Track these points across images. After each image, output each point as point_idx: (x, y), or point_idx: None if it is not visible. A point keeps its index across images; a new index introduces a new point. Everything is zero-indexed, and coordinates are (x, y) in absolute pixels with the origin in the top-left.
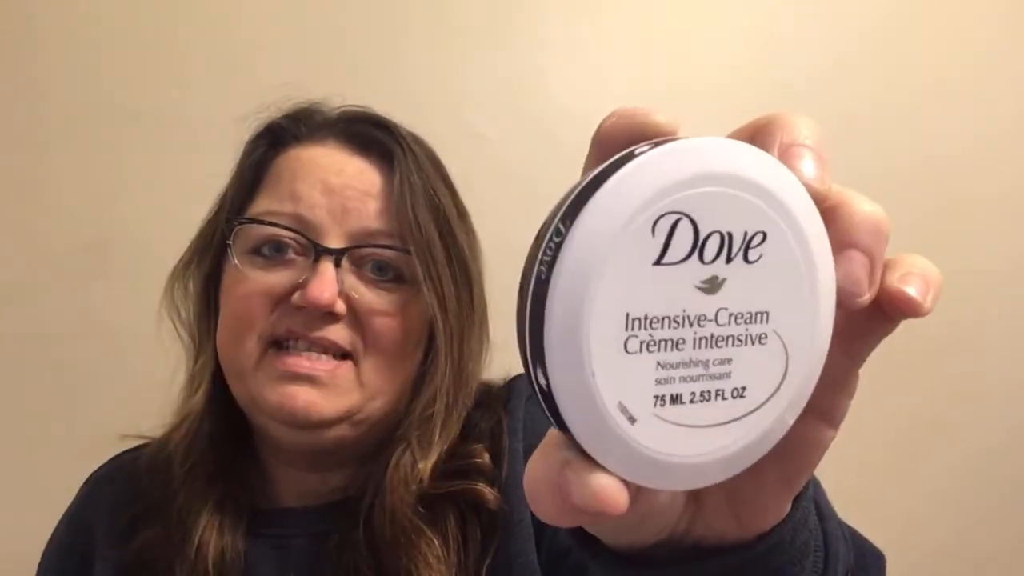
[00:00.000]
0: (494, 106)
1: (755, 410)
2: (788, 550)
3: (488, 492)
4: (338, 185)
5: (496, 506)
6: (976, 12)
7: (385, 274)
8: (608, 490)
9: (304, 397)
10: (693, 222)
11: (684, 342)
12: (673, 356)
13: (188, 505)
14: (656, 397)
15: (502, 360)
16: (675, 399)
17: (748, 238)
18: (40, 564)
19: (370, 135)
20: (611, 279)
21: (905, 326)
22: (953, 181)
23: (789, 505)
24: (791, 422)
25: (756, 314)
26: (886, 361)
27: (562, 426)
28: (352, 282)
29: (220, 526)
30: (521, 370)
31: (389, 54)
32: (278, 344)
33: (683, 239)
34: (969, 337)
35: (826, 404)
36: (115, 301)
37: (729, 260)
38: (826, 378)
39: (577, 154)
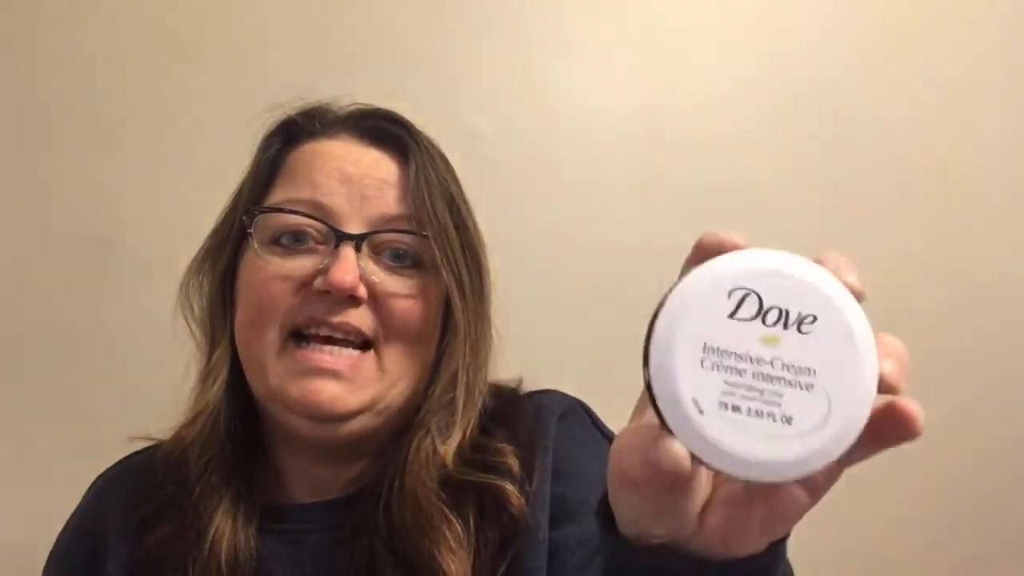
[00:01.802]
0: (494, 106)
1: (797, 436)
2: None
3: (512, 493)
4: (356, 174)
5: (518, 511)
6: (985, 13)
7: (403, 261)
8: (682, 456)
9: (328, 391)
10: (759, 297)
11: (745, 372)
12: (736, 379)
13: (203, 501)
14: (721, 403)
15: (504, 354)
16: (735, 408)
17: (801, 317)
18: (47, 564)
19: (384, 128)
20: (696, 318)
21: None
22: (952, 185)
23: (765, 545)
24: (834, 457)
25: (804, 368)
26: None
27: (657, 411)
28: (371, 268)
29: (234, 522)
30: (536, 385)
31: (389, 54)
32: (298, 336)
33: (750, 306)
34: (970, 338)
35: (815, 480)
36: (120, 301)
37: (786, 328)
38: None
39: (576, 154)
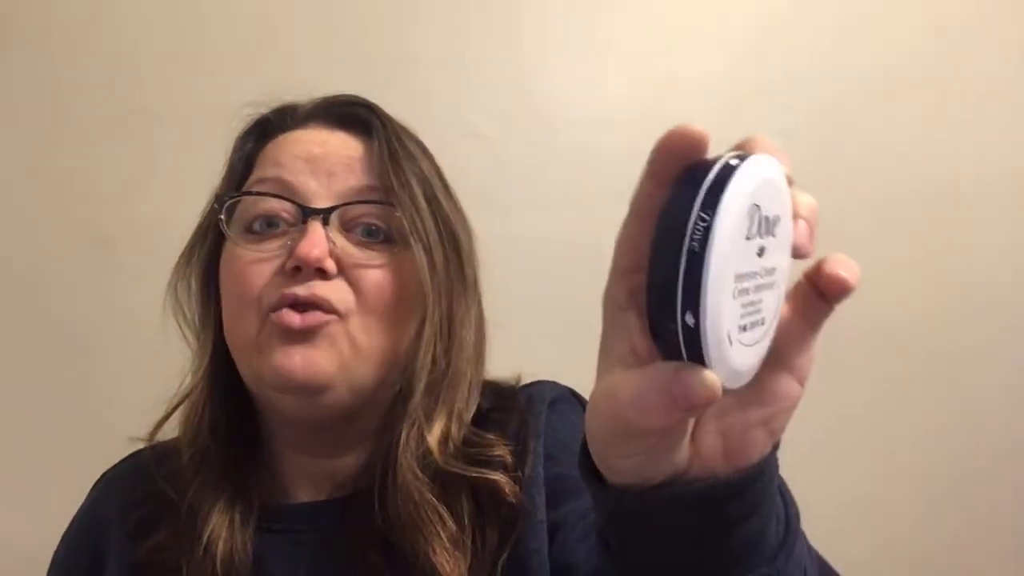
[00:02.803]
0: (494, 106)
1: (766, 333)
2: (759, 491)
3: (506, 484)
4: (321, 154)
5: (514, 499)
6: (991, 24)
7: (376, 236)
8: (718, 383)
9: (300, 355)
10: (760, 210)
11: (749, 290)
12: (746, 299)
13: (199, 500)
14: (739, 327)
15: (502, 356)
16: (743, 328)
17: (774, 219)
18: (51, 564)
19: (349, 112)
20: (734, 252)
21: (911, 331)
22: (952, 185)
23: (769, 447)
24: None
25: (771, 268)
26: (894, 366)
27: (695, 350)
28: (342, 243)
29: (231, 524)
30: (522, 373)
31: (388, 54)
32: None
33: (756, 222)
34: (973, 341)
35: (795, 363)
36: (120, 300)
37: (766, 234)
38: (793, 344)
39: (576, 153)
